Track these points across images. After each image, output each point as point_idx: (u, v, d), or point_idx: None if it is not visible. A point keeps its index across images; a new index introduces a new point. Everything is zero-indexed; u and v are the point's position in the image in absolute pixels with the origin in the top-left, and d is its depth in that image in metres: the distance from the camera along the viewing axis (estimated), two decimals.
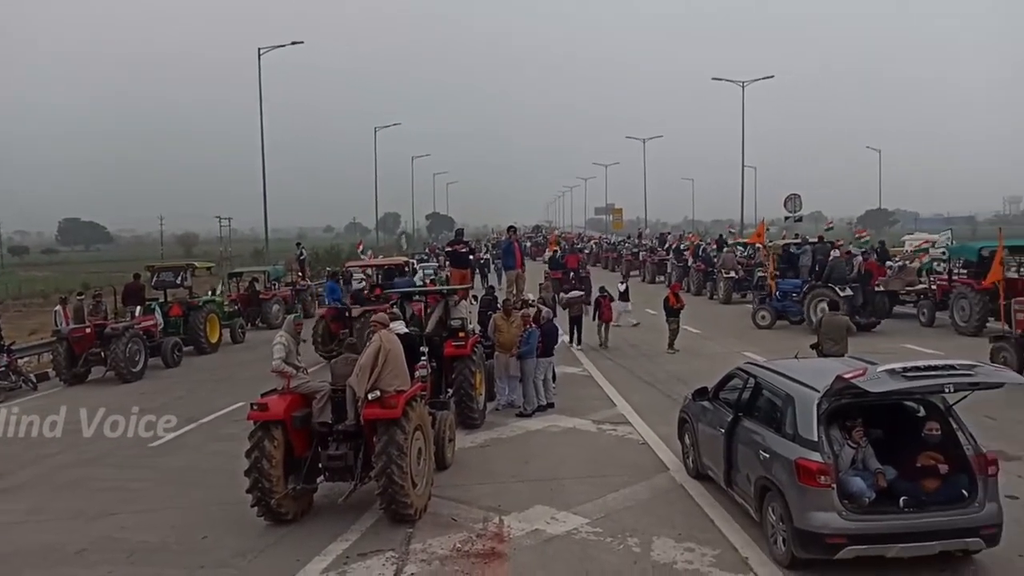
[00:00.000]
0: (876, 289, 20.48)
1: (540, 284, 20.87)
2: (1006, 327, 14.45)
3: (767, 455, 6.75)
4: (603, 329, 18.52)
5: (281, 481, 7.78)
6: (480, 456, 10.30)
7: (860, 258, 21.44)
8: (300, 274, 31.40)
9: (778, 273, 22.02)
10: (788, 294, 21.24)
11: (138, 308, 19.39)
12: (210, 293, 23.28)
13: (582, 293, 19.94)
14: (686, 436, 9.09)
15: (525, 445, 10.76)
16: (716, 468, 8.00)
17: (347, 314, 17.31)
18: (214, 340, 20.93)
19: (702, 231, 79.35)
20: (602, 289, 19.32)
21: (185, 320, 20.23)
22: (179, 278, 21.08)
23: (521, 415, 12.16)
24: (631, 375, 15.34)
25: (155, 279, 21.16)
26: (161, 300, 20.58)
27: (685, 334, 19.58)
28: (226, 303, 23.29)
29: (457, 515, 8.09)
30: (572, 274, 24.62)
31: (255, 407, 7.84)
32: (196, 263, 23.81)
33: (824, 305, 18.05)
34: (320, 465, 8.16)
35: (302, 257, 32.83)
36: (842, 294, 19.00)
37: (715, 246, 34.41)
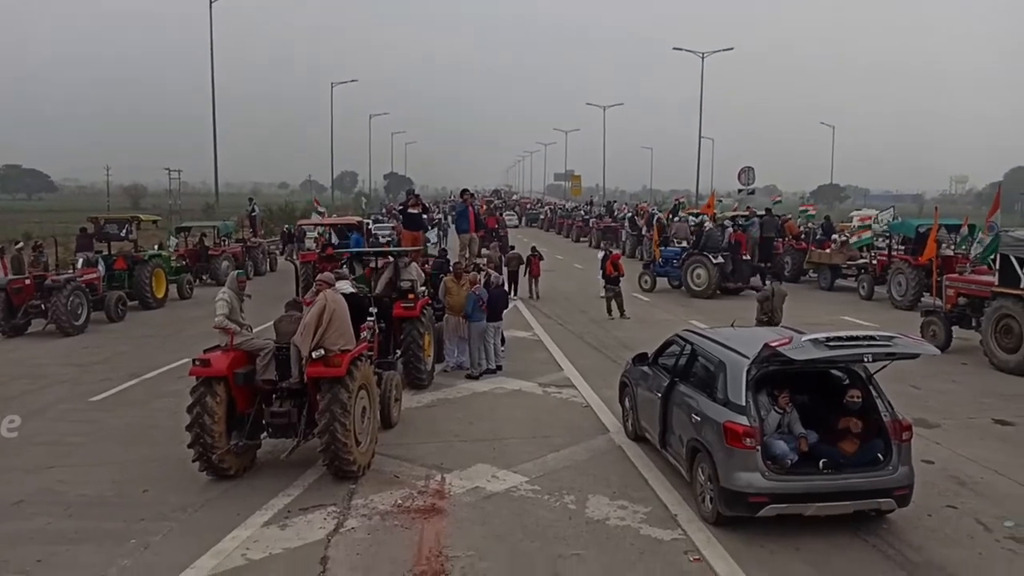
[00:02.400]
0: (743, 258, 22.17)
1: (489, 246, 21.41)
2: (937, 302, 15.08)
3: (699, 418, 7.02)
4: (533, 283, 21.41)
5: (223, 437, 7.81)
6: (426, 416, 10.45)
7: (731, 230, 22.89)
8: (252, 231, 30.86)
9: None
10: (669, 260, 22.81)
11: (80, 260, 18.93)
12: (157, 247, 22.77)
13: (519, 253, 22.26)
14: (626, 399, 9.36)
15: (471, 406, 10.93)
16: (652, 430, 8.28)
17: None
18: (160, 295, 20.57)
19: (660, 200, 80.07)
20: (533, 249, 21.98)
21: (130, 274, 19.82)
22: (124, 231, 20.56)
23: (469, 377, 12.32)
24: (579, 340, 15.61)
25: (99, 231, 20.61)
26: (105, 253, 20.10)
27: (635, 301, 19.98)
28: (173, 258, 22.86)
29: (400, 472, 8.24)
30: (493, 233, 26.42)
31: (197, 363, 7.81)
32: (142, 216, 23.17)
33: (700, 271, 20.96)
34: (263, 422, 8.19)
35: (254, 213, 32.25)
36: (715, 261, 21.13)
37: (669, 216, 34.86)
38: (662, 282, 23.19)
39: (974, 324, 13.69)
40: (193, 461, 7.86)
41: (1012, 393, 11.31)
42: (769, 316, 12.70)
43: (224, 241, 27.23)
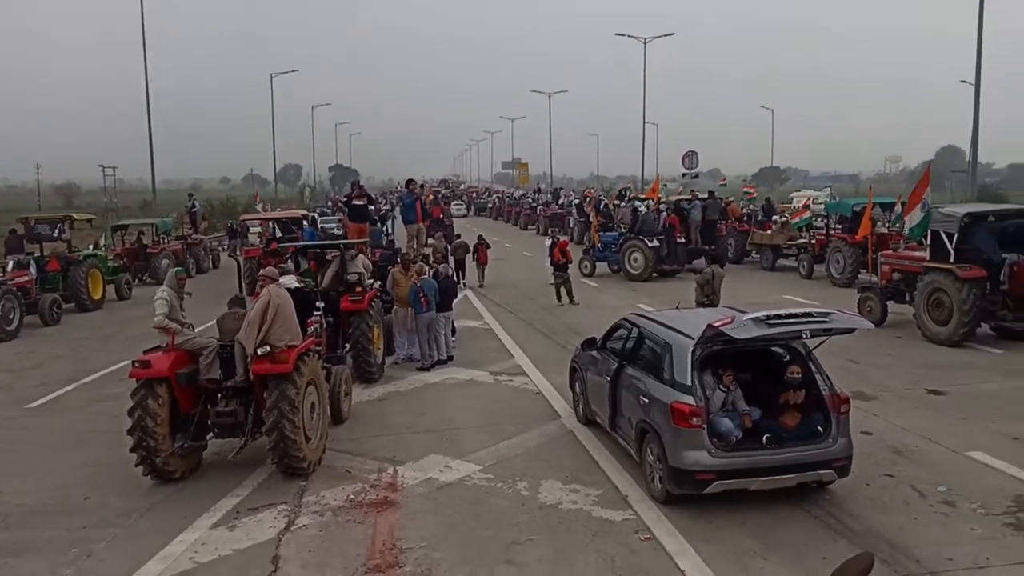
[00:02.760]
0: (678, 241, 22.64)
1: (435, 236, 21.54)
2: (873, 278, 15.60)
3: (647, 400, 7.14)
4: (481, 271, 21.59)
5: (167, 439, 7.62)
6: (377, 409, 10.38)
7: (665, 214, 23.36)
8: (192, 227, 30.06)
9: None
10: (608, 245, 23.15)
11: (10, 263, 18.20)
12: (92, 247, 22.00)
13: (465, 242, 22.46)
14: (576, 384, 9.45)
15: (422, 397, 10.90)
16: (602, 414, 8.39)
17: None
18: (97, 297, 19.92)
19: (607, 186, 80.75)
20: (480, 237, 22.19)
21: (64, 275, 19.13)
22: (56, 231, 19.84)
23: (420, 369, 12.27)
24: (530, 327, 15.68)
25: (29, 232, 19.81)
26: (37, 254, 19.34)
27: (583, 287, 20.16)
28: (110, 257, 22.13)
29: (352, 467, 8.17)
30: (438, 223, 26.59)
31: (137, 364, 7.60)
32: (75, 215, 22.35)
33: (637, 254, 21.65)
34: (209, 422, 8.02)
35: (194, 209, 31.37)
36: (650, 245, 21.71)
37: (616, 201, 35.24)
38: (603, 267, 23.49)
39: (908, 299, 14.17)
40: (136, 465, 7.66)
41: (944, 364, 11.79)
42: (710, 298, 13.06)
43: (163, 239, 26.47)
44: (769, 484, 6.64)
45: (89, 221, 23.31)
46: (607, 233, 23.82)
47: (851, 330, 6.74)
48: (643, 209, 24.44)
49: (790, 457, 6.64)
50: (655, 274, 21.94)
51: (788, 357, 7.31)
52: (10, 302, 16.27)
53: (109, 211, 45.42)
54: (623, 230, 24.11)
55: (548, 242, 20.35)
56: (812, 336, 6.65)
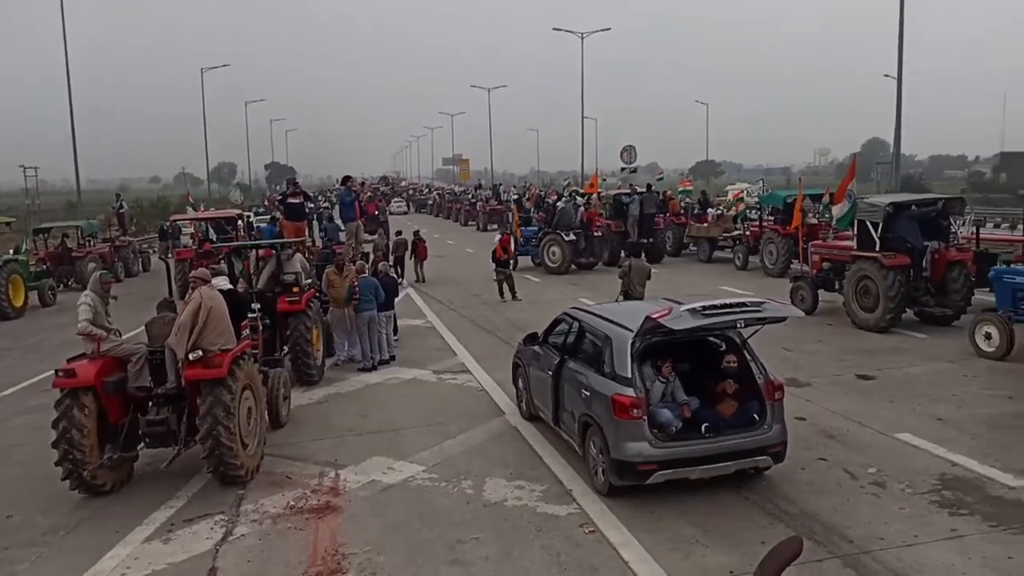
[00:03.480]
0: (594, 235, 23.07)
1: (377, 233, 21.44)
2: (804, 268, 16.09)
3: (588, 393, 7.19)
4: (419, 267, 21.64)
5: (94, 451, 7.30)
6: (318, 412, 10.17)
7: (583, 208, 23.90)
8: (120, 229, 28.95)
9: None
10: (529, 239, 23.95)
11: None
12: (12, 252, 20.97)
13: (405, 238, 22.46)
14: (519, 380, 9.45)
15: (364, 398, 10.74)
16: (545, 409, 8.41)
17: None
18: (18, 304, 19.02)
19: (547, 181, 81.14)
20: (416, 232, 22.43)
21: None
22: None
23: (362, 369, 12.08)
24: (472, 324, 15.63)
25: None
26: None
27: (526, 283, 20.20)
28: (32, 262, 21.15)
29: (292, 472, 7.99)
30: (374, 220, 27.30)
31: (61, 373, 7.26)
32: None
33: (555, 248, 22.20)
34: (139, 431, 7.72)
35: (121, 210, 30.23)
36: (567, 239, 22.22)
37: (555, 197, 35.50)
38: (525, 260, 23.48)
39: (837, 287, 14.65)
40: (63, 479, 7.33)
41: (872, 349, 12.23)
42: (626, 291, 13.29)
43: (89, 241, 25.42)
44: (709, 472, 6.76)
45: (8, 224, 22.22)
46: (527, 228, 24.51)
47: (783, 318, 6.91)
48: (561, 204, 24.91)
49: (728, 445, 6.77)
50: (573, 267, 22.45)
51: (724, 346, 7.45)
52: None
53: (31, 214, 43.32)
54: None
55: (498, 238, 20.29)
56: (746, 325, 6.81)
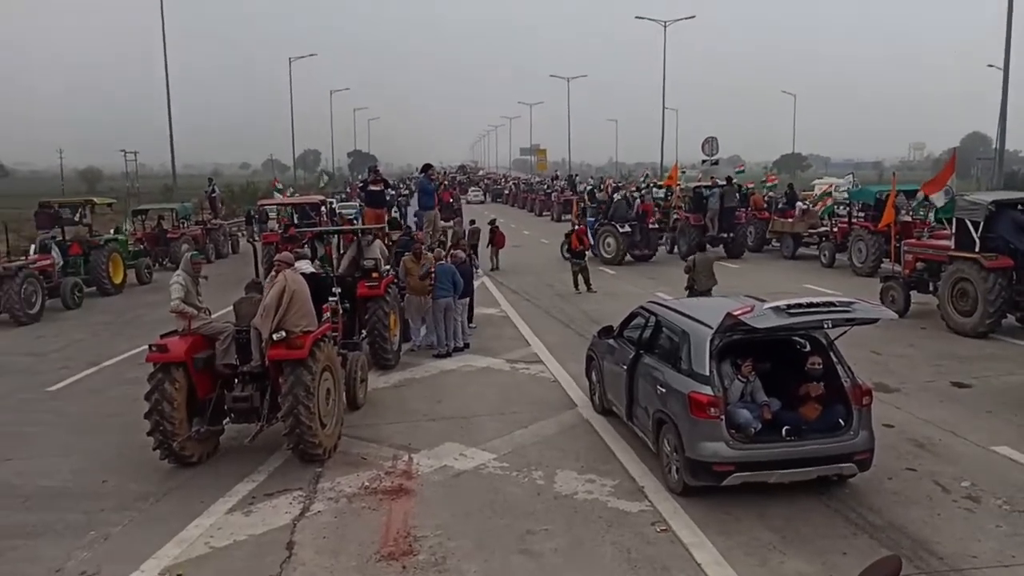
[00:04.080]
0: (650, 227, 23.39)
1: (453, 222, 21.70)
2: (896, 267, 15.34)
3: (664, 389, 7.05)
4: (495, 255, 21.98)
5: (183, 423, 7.65)
6: (393, 396, 10.36)
7: (639, 201, 24.09)
8: (212, 212, 30.23)
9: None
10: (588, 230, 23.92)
11: (32, 247, 18.42)
12: (113, 232, 22.18)
13: (479, 227, 23.01)
14: (593, 373, 9.37)
15: (439, 384, 10.87)
16: (619, 403, 8.31)
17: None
18: (118, 281, 20.09)
19: (625, 173, 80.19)
20: (493, 221, 22.67)
21: (86, 260, 19.32)
22: (78, 215, 20.00)
23: (436, 356, 12.24)
24: (547, 315, 15.61)
25: (53, 215, 19.99)
26: (59, 238, 19.53)
27: (602, 275, 20.03)
28: (131, 242, 22.31)
29: (367, 454, 8.17)
30: (446, 208, 27.02)
31: (154, 348, 7.62)
32: (96, 199, 22.53)
33: (610, 239, 22.39)
34: (225, 407, 8.03)
35: (214, 194, 31.58)
36: (622, 231, 22.49)
37: (634, 189, 35.11)
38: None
39: (932, 288, 13.92)
40: (154, 449, 7.71)
41: (968, 356, 11.57)
42: (691, 285, 13.36)
43: (183, 223, 26.65)
44: (788, 477, 6.54)
45: (110, 205, 23.48)
46: (587, 219, 24.47)
47: (874, 320, 6.60)
48: (617, 196, 24.86)
49: (810, 450, 6.52)
50: (628, 258, 22.78)
51: (809, 347, 7.18)
52: (32, 286, 16.44)
53: (131, 196, 45.84)
54: (663, 218, 25.14)
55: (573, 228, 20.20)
56: (834, 326, 6.53)
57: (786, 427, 6.70)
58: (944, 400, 9.47)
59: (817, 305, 6.42)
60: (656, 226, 23.68)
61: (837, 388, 6.84)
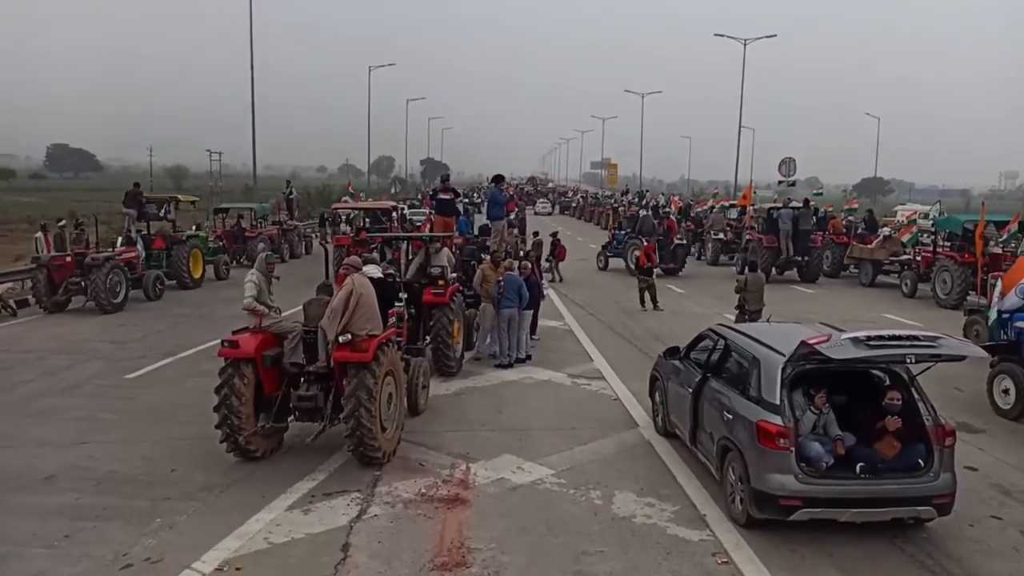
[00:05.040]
0: (676, 242, 24.37)
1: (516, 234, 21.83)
2: (982, 300, 14.56)
3: (730, 416, 6.82)
4: (556, 267, 22.18)
5: (250, 418, 7.82)
6: (454, 404, 10.38)
7: (664, 217, 25.96)
8: (288, 213, 31.10)
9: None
10: (621, 243, 25.36)
11: (119, 240, 19.32)
12: (194, 228, 23.06)
13: (541, 239, 22.68)
14: (656, 394, 9.17)
15: (499, 395, 10.84)
16: (682, 426, 8.09)
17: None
18: (197, 275, 20.84)
19: (697, 191, 78.93)
20: (555, 234, 22.78)
21: (168, 254, 20.11)
22: (162, 211, 20.87)
23: (498, 366, 12.21)
24: (610, 331, 15.41)
25: (139, 207, 20.93)
26: (144, 232, 20.41)
27: (669, 293, 19.68)
28: (211, 239, 23.12)
29: (425, 460, 8.18)
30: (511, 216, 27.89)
31: (225, 344, 7.83)
32: (180, 196, 23.47)
33: (637, 252, 22.09)
34: (291, 405, 8.18)
35: (291, 196, 32.49)
36: (647, 244, 22.07)
37: (652, 203, 35.03)
38: (617, 261, 25.08)
39: None
40: (220, 442, 7.90)
41: None
42: (741, 305, 13.27)
43: (261, 223, 27.49)
44: (861, 517, 6.22)
45: (193, 203, 24.43)
46: (619, 232, 26.01)
47: (961, 357, 6.23)
48: (643, 212, 26.71)
49: (886, 489, 6.20)
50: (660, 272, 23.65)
51: (888, 381, 6.83)
52: (117, 276, 17.21)
53: (214, 194, 47.56)
54: (718, 236, 25.95)
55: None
56: (917, 361, 6.18)
57: (860, 464, 6.37)
58: None
59: (900, 338, 6.11)
60: (683, 241, 25.04)
61: (917, 426, 6.47)
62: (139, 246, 19.23)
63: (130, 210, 20.40)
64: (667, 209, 35.82)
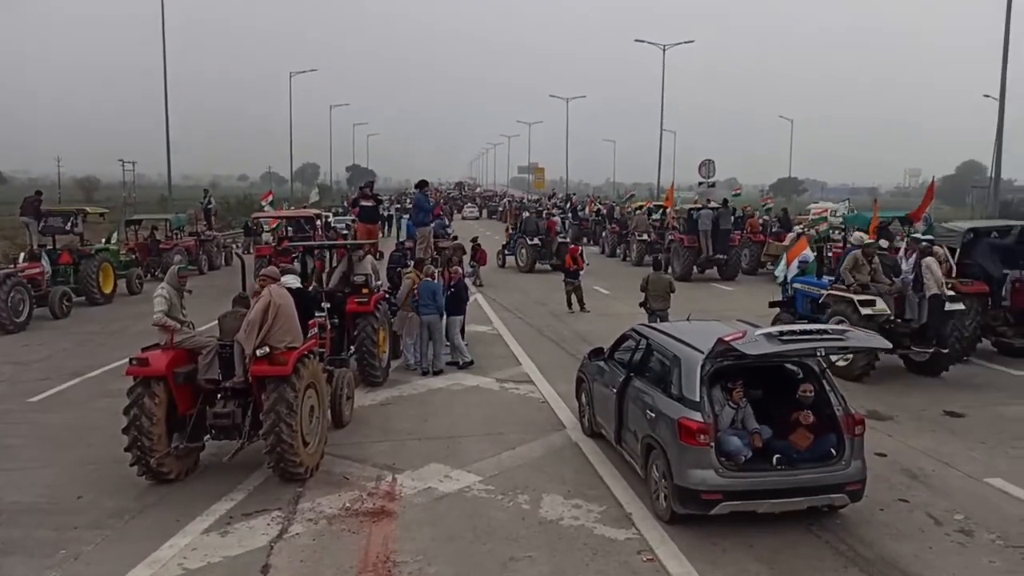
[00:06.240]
0: (559, 240, 26.66)
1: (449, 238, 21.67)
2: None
3: (653, 414, 6.91)
4: (476, 271, 22.23)
5: (162, 439, 7.48)
6: (380, 414, 10.20)
7: (545, 218, 28.25)
8: (206, 224, 30.09)
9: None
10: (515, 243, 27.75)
11: (21, 255, 18.31)
12: (104, 241, 22.03)
13: (461, 243, 22.72)
14: (582, 395, 9.24)
15: (426, 403, 10.72)
16: (608, 426, 8.17)
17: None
18: (107, 291, 19.92)
19: (622, 192, 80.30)
20: (475, 239, 22.98)
21: (76, 268, 19.15)
22: (69, 224, 19.86)
23: (424, 374, 12.08)
24: (538, 334, 15.48)
25: (42, 224, 19.86)
26: (49, 247, 19.37)
27: (595, 294, 19.91)
28: (122, 252, 22.15)
29: (350, 473, 8.00)
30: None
31: (134, 362, 7.48)
32: (88, 208, 22.39)
33: (523, 250, 26.30)
34: (206, 423, 7.86)
35: (209, 206, 31.44)
36: (530, 243, 26.16)
37: (628, 209, 35.53)
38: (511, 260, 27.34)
39: None
40: (131, 465, 7.53)
41: (962, 384, 11.45)
42: (644, 303, 13.60)
43: (177, 234, 26.51)
44: (779, 507, 6.41)
45: (102, 215, 23.34)
46: (514, 232, 28.30)
47: (868, 349, 6.49)
48: (526, 214, 28.75)
49: (801, 479, 6.39)
50: (536, 265, 26.05)
51: (801, 374, 7.06)
52: (20, 293, 16.26)
53: (128, 206, 45.64)
54: (642, 237, 27.13)
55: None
56: (827, 354, 6.41)
57: (777, 455, 6.56)
58: (937, 429, 9.35)
59: (810, 332, 6.33)
60: (565, 239, 27.76)
61: (829, 416, 6.71)
62: (44, 261, 18.23)
63: (28, 217, 19.39)
64: (583, 212, 39.73)
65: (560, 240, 26.82)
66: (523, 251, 26.39)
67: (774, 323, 12.85)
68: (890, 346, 6.84)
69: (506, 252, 27.87)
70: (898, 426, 9.42)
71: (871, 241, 12.93)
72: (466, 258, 21.60)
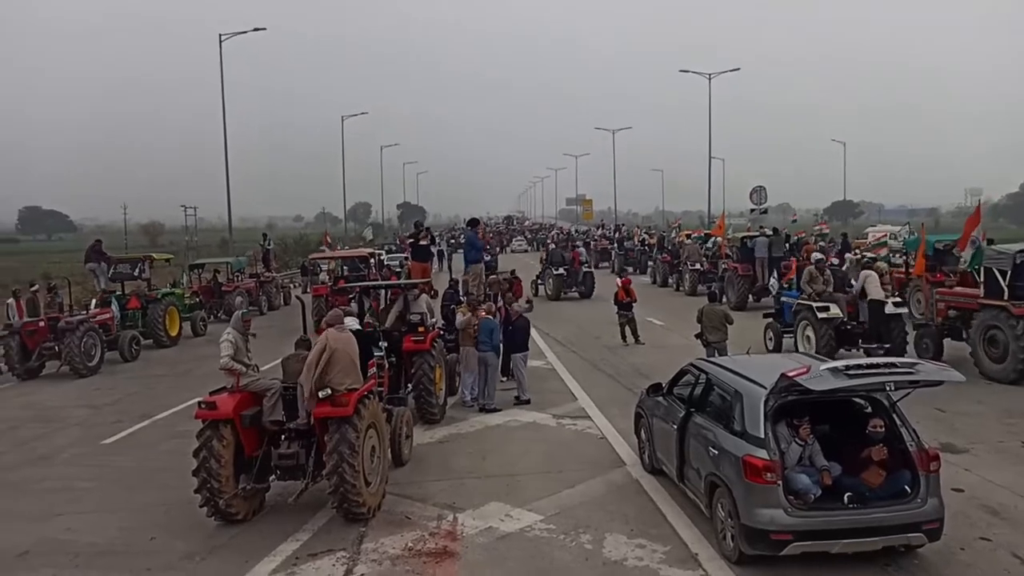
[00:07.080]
0: (584, 271, 28.22)
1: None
2: (927, 315, 15.02)
3: (716, 451, 6.79)
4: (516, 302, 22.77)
5: (230, 481, 7.66)
6: (438, 452, 10.24)
7: (570, 250, 29.66)
8: (264, 265, 30.96)
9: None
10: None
11: (93, 302, 19.08)
12: (170, 285, 22.86)
13: (498, 278, 22.71)
14: (642, 431, 9.12)
15: (484, 440, 10.72)
16: (669, 463, 8.04)
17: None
18: (173, 333, 20.60)
19: (671, 221, 79.77)
20: (512, 272, 22.43)
21: (143, 313, 19.89)
22: (136, 270, 20.70)
23: (482, 410, 12.11)
24: (593, 368, 15.38)
25: (112, 271, 20.73)
26: (118, 292, 20.19)
27: (649, 326, 19.71)
28: (187, 295, 22.92)
29: (411, 513, 8.04)
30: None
31: (203, 405, 7.70)
32: (154, 255, 23.36)
33: (551, 280, 27.54)
34: (272, 464, 8.03)
35: (268, 247, 32.37)
36: (556, 272, 27.45)
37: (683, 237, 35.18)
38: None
39: (964, 336, 13.71)
40: (201, 506, 7.72)
41: None
42: (700, 335, 13.32)
43: (237, 277, 27.33)
44: (852, 547, 6.18)
45: (168, 260, 24.26)
46: (546, 263, 29.58)
47: (939, 383, 6.28)
48: (552, 245, 31.30)
49: (875, 518, 6.17)
50: (563, 295, 27.30)
51: (870, 409, 6.85)
52: (92, 339, 16.95)
53: (190, 249, 47.26)
54: (695, 266, 27.06)
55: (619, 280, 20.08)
56: (896, 388, 6.22)
57: (848, 494, 6.36)
58: (1018, 462, 8.92)
59: (878, 366, 6.15)
60: (589, 269, 29.19)
61: (902, 452, 6.49)
62: (113, 306, 19.00)
63: (93, 263, 20.28)
64: (629, 242, 40.74)
65: (584, 270, 28.15)
66: (550, 280, 27.72)
67: (766, 331, 16.24)
68: (963, 379, 6.59)
69: (539, 282, 28.97)
70: (975, 459, 9.02)
71: (820, 257, 16.48)
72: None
